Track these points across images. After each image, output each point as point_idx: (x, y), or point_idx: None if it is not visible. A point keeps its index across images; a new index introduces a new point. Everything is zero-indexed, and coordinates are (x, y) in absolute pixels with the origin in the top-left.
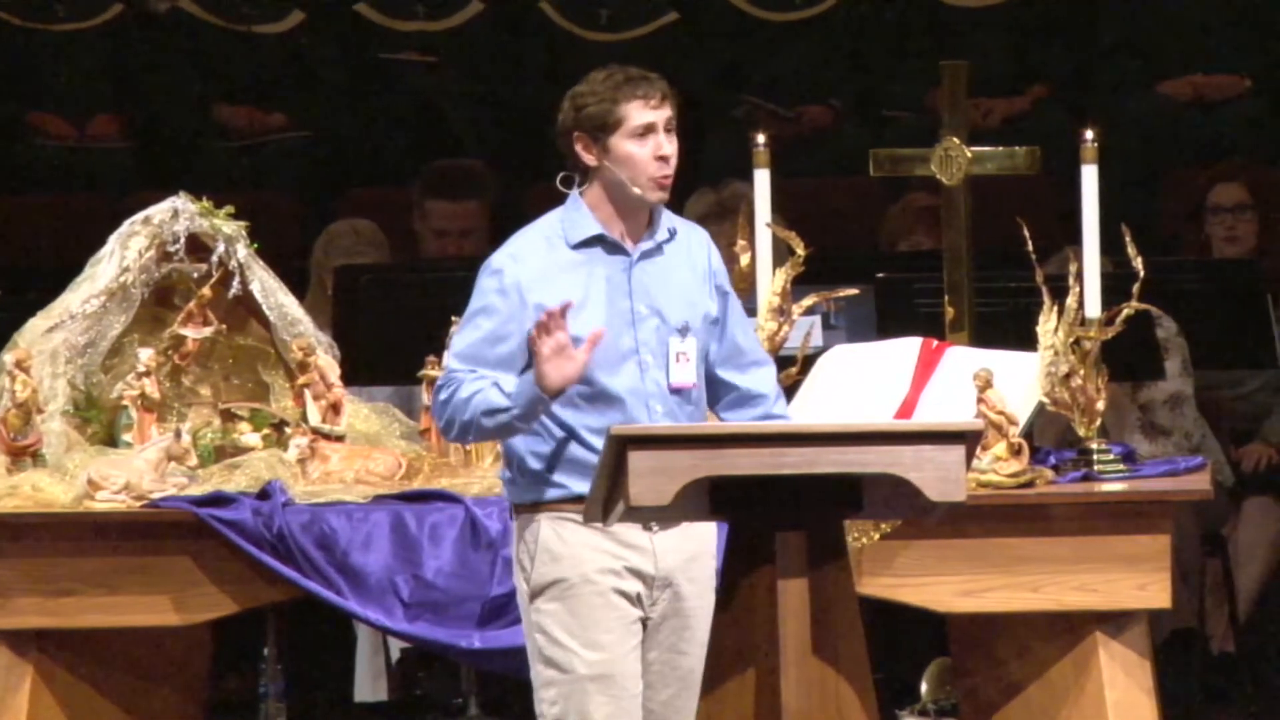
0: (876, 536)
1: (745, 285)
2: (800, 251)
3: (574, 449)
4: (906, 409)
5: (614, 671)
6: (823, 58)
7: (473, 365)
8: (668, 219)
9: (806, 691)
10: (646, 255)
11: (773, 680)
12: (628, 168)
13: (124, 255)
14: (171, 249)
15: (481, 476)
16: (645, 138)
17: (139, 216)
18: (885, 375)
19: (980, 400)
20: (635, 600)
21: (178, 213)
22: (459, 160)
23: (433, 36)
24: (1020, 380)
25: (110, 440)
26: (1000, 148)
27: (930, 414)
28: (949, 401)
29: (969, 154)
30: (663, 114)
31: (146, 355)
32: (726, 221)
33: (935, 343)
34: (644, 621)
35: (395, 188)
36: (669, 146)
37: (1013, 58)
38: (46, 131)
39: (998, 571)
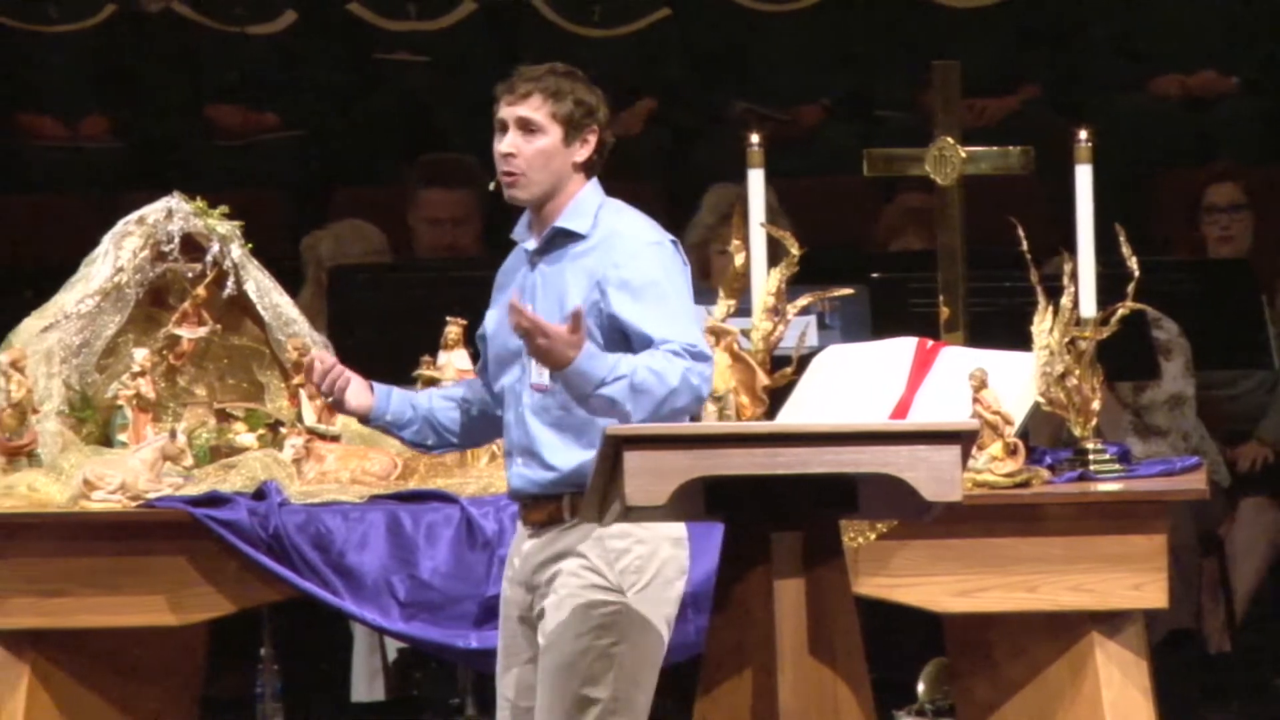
0: (873, 536)
1: (740, 285)
2: (795, 251)
3: None
4: (902, 409)
5: (499, 677)
6: (813, 56)
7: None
8: (580, 219)
9: (803, 692)
10: (539, 255)
11: (769, 681)
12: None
13: (118, 255)
14: (166, 249)
15: (477, 476)
16: (501, 134)
17: (133, 216)
18: (880, 375)
19: (975, 400)
20: (513, 605)
21: (172, 212)
22: (450, 154)
23: (425, 36)
24: (1015, 380)
25: (105, 440)
26: (994, 148)
27: (925, 414)
28: (944, 401)
29: (963, 154)
30: (514, 112)
31: (141, 355)
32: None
33: (930, 343)
34: (530, 627)
35: (388, 187)
36: (510, 144)
37: (1003, 58)
38: (38, 132)
39: (993, 571)
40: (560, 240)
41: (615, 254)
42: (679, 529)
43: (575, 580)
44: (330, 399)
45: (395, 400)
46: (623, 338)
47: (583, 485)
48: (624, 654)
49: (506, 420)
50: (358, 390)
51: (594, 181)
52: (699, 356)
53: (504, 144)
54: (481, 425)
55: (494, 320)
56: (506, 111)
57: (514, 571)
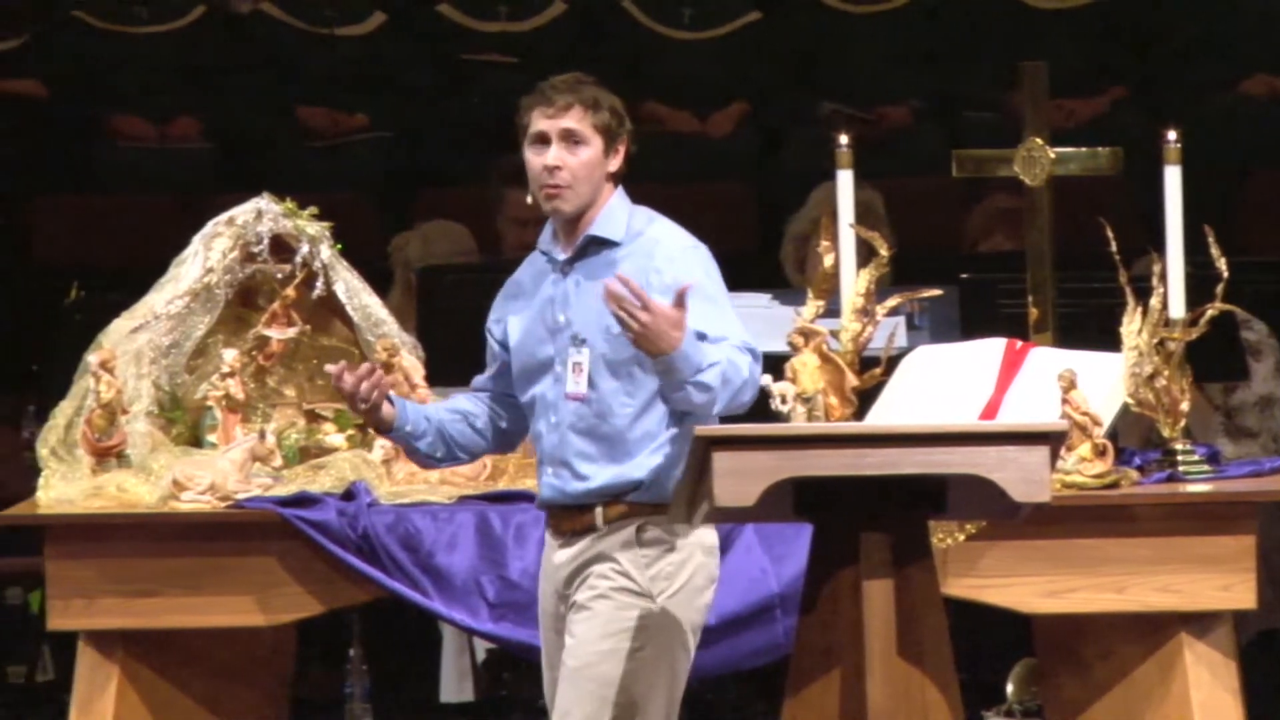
0: (961, 538)
1: (829, 286)
2: (884, 253)
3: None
4: (991, 410)
5: (547, 690)
6: (902, 57)
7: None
8: (614, 227)
9: (892, 693)
10: (571, 264)
11: (858, 682)
12: (527, 174)
13: (208, 256)
14: (255, 250)
15: None
16: (540, 146)
17: (223, 217)
18: (969, 376)
19: (1064, 401)
20: (550, 617)
21: (261, 213)
22: None
23: (514, 37)
24: (1104, 381)
25: (195, 441)
26: (1083, 148)
27: (1014, 415)
28: (1033, 402)
29: (1051, 155)
30: (558, 124)
31: (231, 356)
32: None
33: (1019, 343)
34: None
35: (475, 187)
36: (556, 158)
37: (1091, 58)
38: (128, 133)
39: (1082, 572)
40: (593, 249)
41: (656, 259)
42: (711, 538)
43: (605, 583)
44: (364, 406)
45: (412, 411)
46: None
47: (615, 496)
48: (648, 659)
49: (536, 430)
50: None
51: (620, 189)
52: (754, 354)
53: (550, 157)
54: (486, 438)
55: (519, 330)
56: (547, 124)
57: (548, 583)
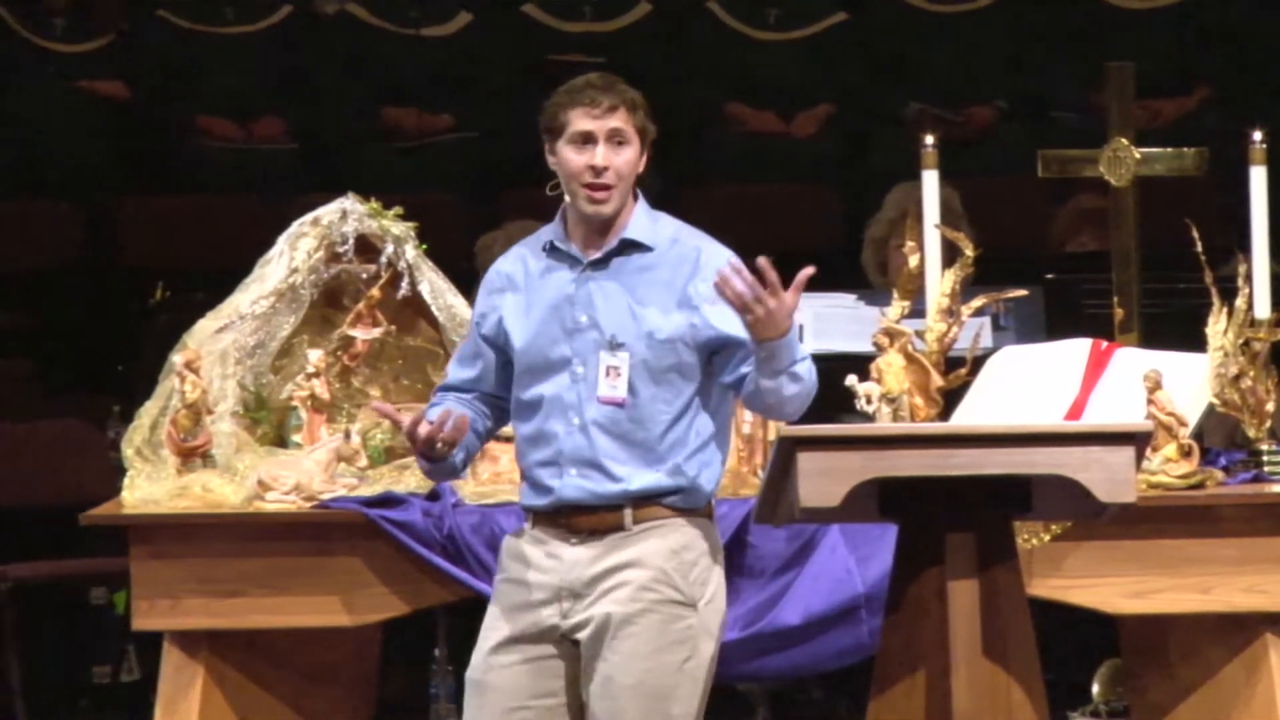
0: (1047, 538)
1: (914, 286)
2: (969, 253)
3: (520, 458)
4: (1076, 410)
5: (485, 680)
6: (987, 57)
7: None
8: (649, 232)
9: (977, 693)
10: (598, 265)
11: (943, 682)
12: (564, 174)
13: (293, 256)
14: (340, 250)
15: None
16: (584, 146)
17: (308, 217)
18: (1054, 376)
19: (1150, 401)
20: (541, 616)
21: (346, 214)
22: None
23: (599, 38)
24: (1190, 381)
25: (280, 441)
26: (1168, 149)
27: (1100, 415)
28: (1118, 403)
29: (1137, 155)
30: (605, 124)
31: (316, 356)
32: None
33: (1104, 344)
34: (566, 636)
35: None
36: (603, 158)
37: (1177, 58)
38: (214, 133)
39: (1167, 573)
40: (625, 251)
41: (703, 270)
42: (720, 543)
43: (651, 594)
44: (440, 449)
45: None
46: (711, 355)
47: (645, 498)
48: (694, 668)
49: (544, 430)
50: None
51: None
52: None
53: (598, 157)
54: (481, 443)
55: (523, 327)
56: (593, 124)
57: (540, 577)
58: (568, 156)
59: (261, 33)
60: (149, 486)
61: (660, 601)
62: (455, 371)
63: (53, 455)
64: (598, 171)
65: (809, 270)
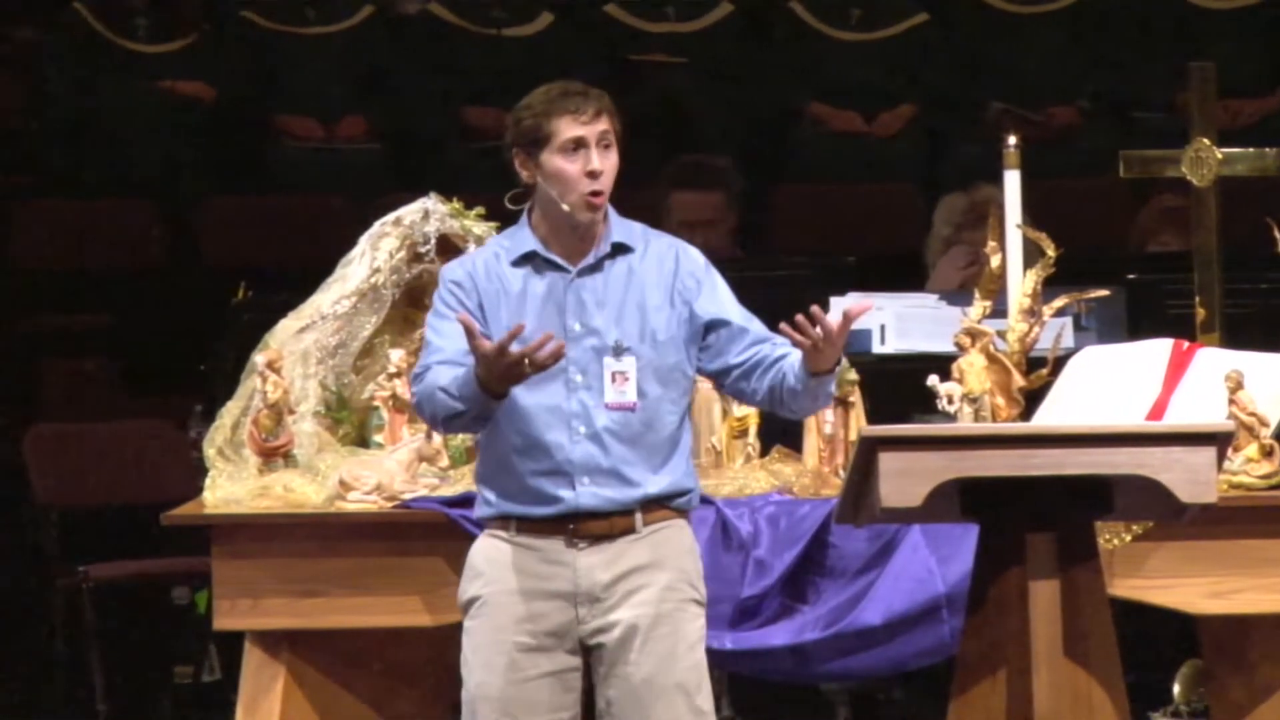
0: (1128, 538)
1: (995, 287)
2: (1051, 253)
3: (499, 466)
4: (1157, 410)
5: (499, 695)
6: (1069, 57)
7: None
8: (628, 234)
9: (1058, 693)
10: (587, 272)
11: (1024, 682)
12: (557, 184)
13: (375, 256)
14: (422, 250)
15: (733, 478)
16: (575, 153)
17: (389, 217)
18: (1136, 377)
19: (1231, 401)
20: (552, 623)
21: (428, 213)
22: (703, 155)
23: (682, 38)
24: (1271, 382)
25: (361, 441)
26: (1250, 149)
27: (1181, 415)
28: (1200, 403)
29: (1219, 155)
30: (595, 129)
31: (398, 356)
32: (979, 228)
33: (1186, 344)
34: (583, 642)
35: (642, 189)
36: (599, 162)
37: (1260, 58)
38: (296, 133)
39: (1248, 573)
40: (614, 255)
41: (685, 263)
42: None
43: (676, 594)
44: (529, 371)
45: None
46: (699, 337)
47: (657, 499)
48: (705, 663)
49: (548, 441)
50: None
51: None
52: None
53: (595, 162)
54: None
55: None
56: (584, 130)
57: (546, 590)
58: (560, 165)
59: (343, 33)
60: (230, 486)
61: (685, 601)
62: (446, 346)
63: (135, 455)
64: (595, 176)
65: (864, 307)
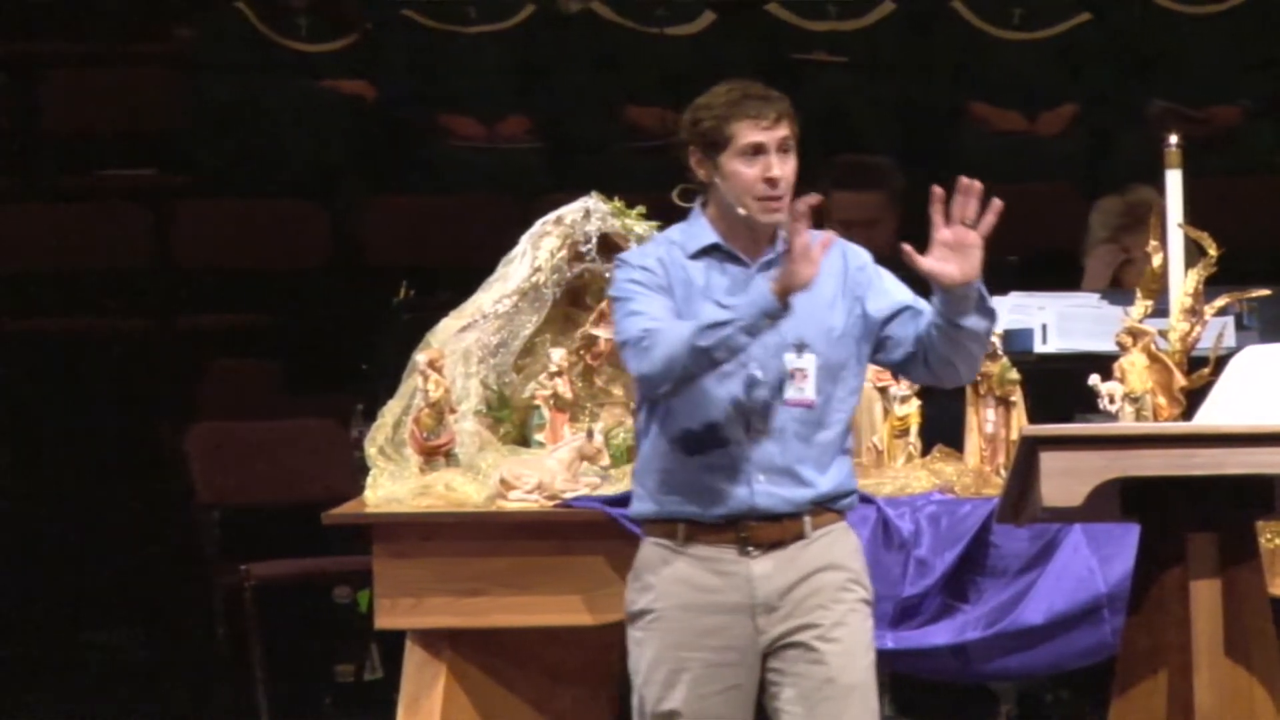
0: None
1: (1157, 286)
2: (1212, 252)
3: (666, 462)
4: None
5: (683, 712)
6: (1233, 57)
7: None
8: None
9: (1219, 693)
10: (767, 268)
11: (1185, 682)
12: (734, 187)
13: (536, 255)
14: (583, 249)
15: (894, 477)
16: (754, 158)
17: (551, 216)
18: None
19: None
20: (731, 636)
21: (589, 213)
22: (865, 155)
23: (843, 37)
24: None
25: (522, 440)
26: None
27: None
28: None
29: None
30: (775, 135)
31: (559, 355)
32: (1135, 231)
33: None
34: (760, 653)
35: (804, 188)
36: (778, 168)
37: None
38: (458, 132)
39: None
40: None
41: (853, 259)
42: None
43: (851, 595)
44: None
45: None
46: (873, 334)
47: (823, 501)
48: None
49: (723, 436)
50: None
51: None
52: None
53: (773, 169)
54: None
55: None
56: (764, 135)
57: (720, 604)
58: (738, 170)
59: (505, 32)
60: (392, 485)
61: (860, 601)
62: (661, 317)
63: (297, 454)
64: (774, 183)
65: (997, 205)
